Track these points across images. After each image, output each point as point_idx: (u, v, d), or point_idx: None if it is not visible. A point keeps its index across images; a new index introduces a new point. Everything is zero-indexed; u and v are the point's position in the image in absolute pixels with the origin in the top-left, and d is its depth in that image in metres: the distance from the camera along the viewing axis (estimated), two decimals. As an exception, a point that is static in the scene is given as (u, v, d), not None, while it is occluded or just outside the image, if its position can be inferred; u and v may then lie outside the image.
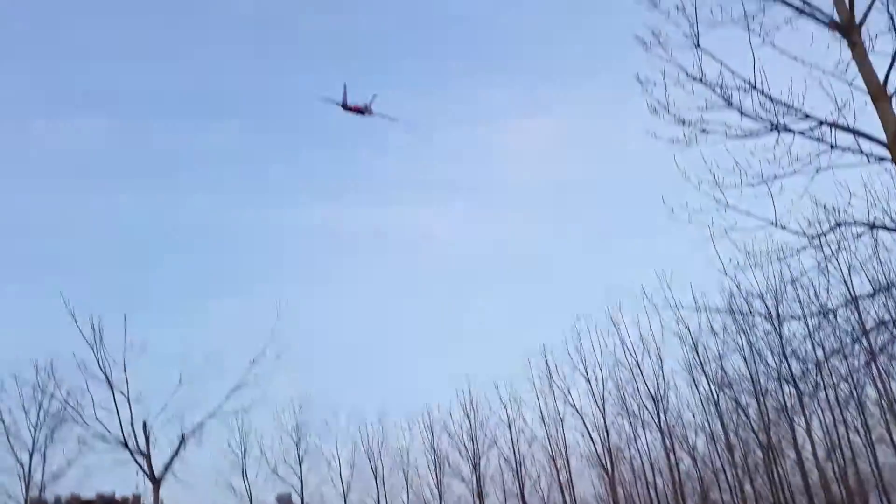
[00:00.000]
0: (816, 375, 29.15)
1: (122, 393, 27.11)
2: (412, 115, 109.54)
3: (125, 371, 27.33)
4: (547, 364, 49.45)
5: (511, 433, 49.91)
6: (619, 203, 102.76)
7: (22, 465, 36.82)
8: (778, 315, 27.00)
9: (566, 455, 48.22)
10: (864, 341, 17.05)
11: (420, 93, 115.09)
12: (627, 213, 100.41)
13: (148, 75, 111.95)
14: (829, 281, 31.91)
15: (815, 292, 29.56)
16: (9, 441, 36.48)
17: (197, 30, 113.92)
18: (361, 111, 51.66)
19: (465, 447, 50.45)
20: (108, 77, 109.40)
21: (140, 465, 27.44)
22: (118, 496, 76.71)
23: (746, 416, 42.07)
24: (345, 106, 51.19)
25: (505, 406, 50.45)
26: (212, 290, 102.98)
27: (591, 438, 46.53)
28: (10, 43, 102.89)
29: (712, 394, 42.02)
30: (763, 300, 30.05)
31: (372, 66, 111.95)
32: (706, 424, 44.95)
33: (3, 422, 36.57)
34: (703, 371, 39.41)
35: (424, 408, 57.09)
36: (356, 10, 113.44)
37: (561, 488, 48.10)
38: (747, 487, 44.04)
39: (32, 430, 37.11)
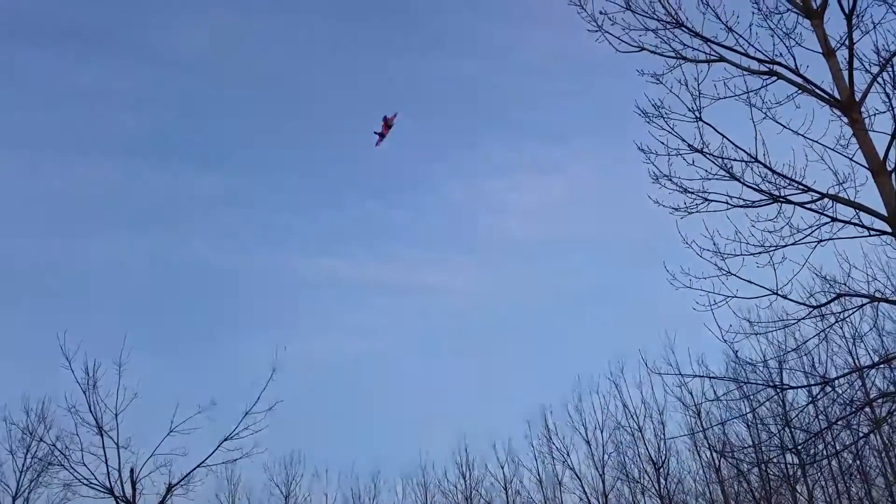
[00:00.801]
0: (818, 444, 28.62)
1: (111, 438, 26.71)
2: (418, 165, 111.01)
3: (116, 417, 26.98)
4: (546, 425, 48.79)
5: (507, 495, 48.87)
6: (626, 264, 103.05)
7: (5, 510, 36.09)
8: (781, 382, 26.72)
9: (565, 520, 47.12)
10: (869, 411, 16.79)
11: (431, 147, 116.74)
12: (634, 274, 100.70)
13: (148, 118, 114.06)
14: (830, 349, 31.76)
15: (820, 360, 29.35)
16: (-6, 485, 35.85)
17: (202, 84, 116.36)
18: (388, 127, 51.39)
19: (460, 507, 49.41)
20: (112, 118, 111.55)
21: (124, 514, 26.86)
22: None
23: (748, 483, 41.27)
24: (381, 135, 50.95)
25: (502, 466, 49.58)
26: (211, 336, 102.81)
27: (590, 503, 45.54)
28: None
29: (714, 460, 41.28)
30: (766, 366, 29.79)
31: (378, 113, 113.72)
32: (707, 491, 44.08)
33: (-8, 464, 36.00)
34: (705, 437, 38.76)
35: (419, 465, 56.23)
36: (359, 69, 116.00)
37: (560, 555, 46.89)
38: (749, 559, 42.92)
39: (18, 473, 36.52)
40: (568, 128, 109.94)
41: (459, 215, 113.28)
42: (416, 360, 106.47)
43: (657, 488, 43.43)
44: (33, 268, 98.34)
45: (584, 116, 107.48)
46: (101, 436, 26.48)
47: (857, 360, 28.80)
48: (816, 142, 9.09)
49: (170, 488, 26.89)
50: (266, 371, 28.55)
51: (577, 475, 46.50)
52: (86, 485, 26.50)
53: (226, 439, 27.25)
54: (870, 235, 9.53)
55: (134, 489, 26.41)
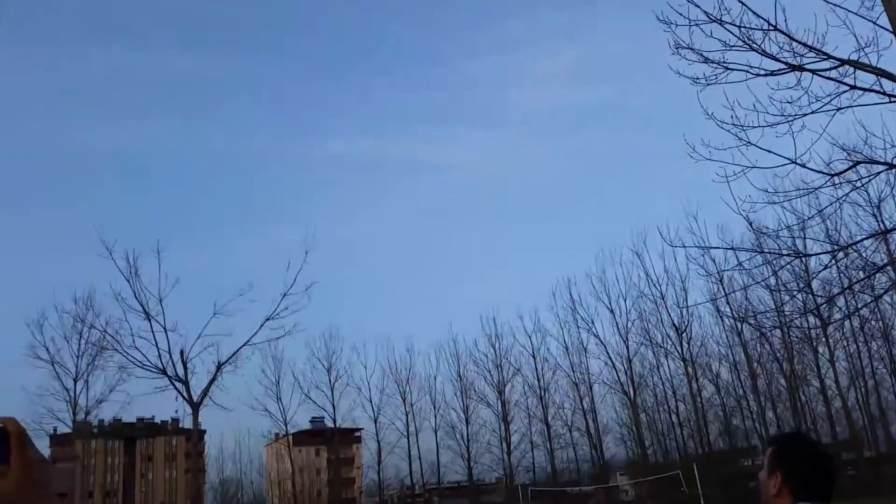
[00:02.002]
0: (839, 303, 29.25)
1: (158, 323, 28.14)
2: (434, 46, 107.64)
3: (161, 302, 28.31)
4: (571, 296, 50.12)
5: (535, 362, 51.11)
6: (645, 132, 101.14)
7: (67, 391, 38.83)
8: (804, 248, 26.98)
9: (589, 382, 49.35)
10: (892, 271, 17.11)
11: (442, 24, 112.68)
12: (654, 142, 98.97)
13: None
14: (856, 214, 31.68)
15: (836, 226, 29.57)
16: (54, 368, 38.33)
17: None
18: None
19: (491, 374, 51.88)
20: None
21: (179, 391, 28.77)
22: (158, 420, 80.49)
23: (770, 345, 42.48)
24: None
25: (529, 336, 51.52)
26: (246, 220, 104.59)
27: (615, 367, 47.46)
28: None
29: (736, 324, 42.38)
30: (790, 232, 29.96)
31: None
32: (730, 354, 45.55)
33: (48, 350, 38.29)
34: (727, 302, 39.62)
35: (450, 337, 58.60)
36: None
37: (584, 413, 49.40)
38: (769, 414, 44.85)
39: (75, 358, 38.89)
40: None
41: (475, 90, 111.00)
42: (442, 236, 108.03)
43: (679, 352, 45.02)
44: (64, 155, 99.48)
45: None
46: (149, 321, 27.98)
47: (881, 224, 28.85)
48: (839, 6, 8.91)
49: (219, 366, 28.59)
50: (300, 254, 29.71)
51: (601, 342, 48.26)
52: (139, 366, 28.30)
53: (268, 319, 28.73)
54: (890, 102, 9.47)
55: (185, 368, 28.18)
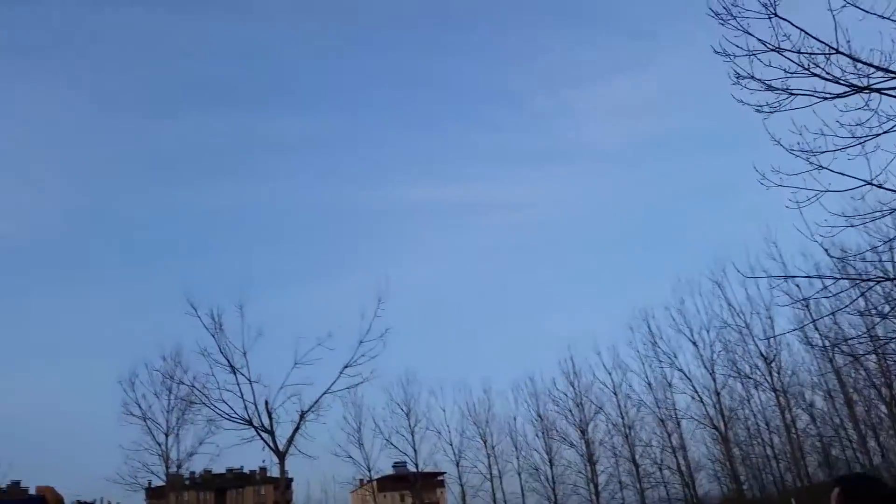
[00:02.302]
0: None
1: (243, 375, 29.01)
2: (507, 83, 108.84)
3: (245, 355, 29.21)
4: (650, 329, 48.94)
5: (617, 398, 49.87)
6: (716, 159, 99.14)
7: (160, 445, 40.27)
8: (894, 268, 25.77)
9: (676, 418, 47.78)
10: None
11: (510, 60, 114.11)
12: (725, 168, 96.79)
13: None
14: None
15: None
16: (146, 424, 39.90)
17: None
18: None
19: (572, 413, 50.88)
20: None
21: (265, 441, 29.33)
22: (247, 470, 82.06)
23: (866, 371, 40.37)
24: None
25: (609, 373, 50.41)
26: (319, 272, 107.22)
27: (702, 401, 45.87)
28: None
29: (827, 350, 40.50)
30: (876, 253, 28.71)
31: (460, 37, 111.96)
32: (823, 382, 43.46)
33: (140, 406, 39.96)
34: (816, 328, 37.95)
35: (527, 376, 57.86)
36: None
37: (673, 451, 47.78)
38: (871, 443, 42.40)
39: (166, 413, 40.42)
40: (655, 20, 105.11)
41: (547, 127, 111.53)
42: (514, 276, 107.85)
43: (770, 382, 43.20)
44: (153, 220, 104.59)
45: (670, 7, 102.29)
46: (234, 373, 28.85)
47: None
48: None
49: (302, 415, 29.13)
50: (373, 301, 30.21)
51: (686, 375, 46.78)
52: (227, 418, 29.09)
53: (346, 367, 29.16)
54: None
55: (270, 418, 28.81)
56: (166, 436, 40.42)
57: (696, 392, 46.01)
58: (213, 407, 29.64)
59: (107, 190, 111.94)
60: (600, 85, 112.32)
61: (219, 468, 60.61)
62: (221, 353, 29.14)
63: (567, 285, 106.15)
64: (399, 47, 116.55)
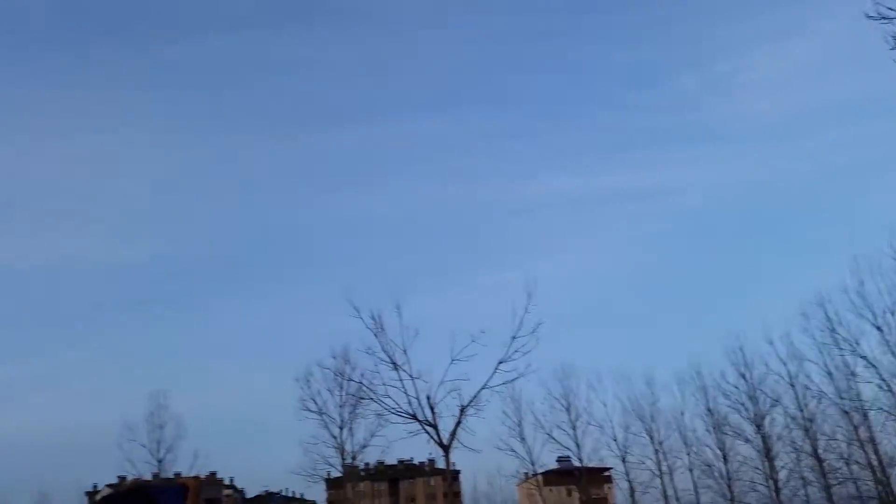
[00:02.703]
0: None
1: (405, 371, 30.16)
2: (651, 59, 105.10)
3: (405, 353, 30.37)
4: (826, 315, 45.19)
5: (795, 390, 46.61)
6: (884, 127, 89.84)
7: (335, 438, 42.96)
8: None
9: (863, 409, 43.85)
10: None
11: (654, 37, 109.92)
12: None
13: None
14: None
15: None
16: (322, 418, 42.74)
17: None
18: None
19: (745, 407, 48.14)
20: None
21: (429, 434, 30.29)
22: (416, 462, 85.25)
23: None
24: None
25: (784, 363, 47.18)
26: (472, 268, 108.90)
27: (891, 390, 41.81)
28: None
29: None
30: None
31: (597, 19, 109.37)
32: None
33: (316, 402, 42.85)
34: None
35: (692, 369, 54.99)
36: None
37: (861, 444, 43.92)
38: None
39: (339, 408, 43.04)
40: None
41: (696, 104, 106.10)
42: (674, 263, 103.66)
43: (974, 367, 38.58)
44: (320, 227, 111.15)
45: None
46: (397, 370, 30.07)
47: None
48: None
49: (462, 410, 29.77)
50: (523, 296, 30.25)
51: (870, 363, 42.84)
52: (393, 413, 30.42)
53: (500, 363, 29.48)
54: None
55: (433, 413, 29.77)
56: (340, 429, 43.04)
57: (884, 381, 42.04)
58: (380, 402, 31.02)
59: (280, 201, 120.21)
60: (749, 57, 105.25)
61: (391, 459, 63.28)
62: (384, 350, 30.49)
63: (729, 272, 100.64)
64: (534, 34, 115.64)
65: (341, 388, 42.43)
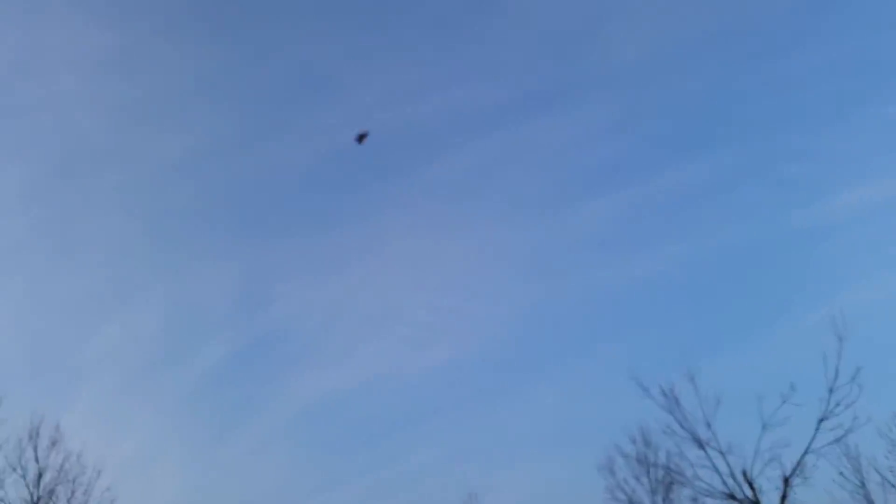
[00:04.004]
0: None
1: (713, 448, 28.21)
2: None
3: (709, 427, 28.52)
4: None
5: None
6: None
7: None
8: None
9: None
10: None
11: None
12: None
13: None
14: None
15: None
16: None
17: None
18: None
19: None
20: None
21: (753, 513, 27.81)
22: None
23: None
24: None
25: None
26: (767, 318, 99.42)
27: None
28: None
29: None
30: None
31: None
32: None
33: (625, 491, 41.43)
34: None
35: None
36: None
37: None
38: None
39: (650, 495, 41.14)
40: None
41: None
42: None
43: None
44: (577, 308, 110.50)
45: None
46: (703, 448, 28.34)
47: None
48: None
49: (786, 481, 27.04)
50: (830, 341, 27.12)
51: None
52: (708, 496, 28.52)
53: (821, 421, 26.67)
54: None
55: (753, 489, 27.36)
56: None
57: None
58: (691, 485, 29.39)
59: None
60: None
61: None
62: (683, 428, 29.00)
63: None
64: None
65: (648, 473, 40.67)
